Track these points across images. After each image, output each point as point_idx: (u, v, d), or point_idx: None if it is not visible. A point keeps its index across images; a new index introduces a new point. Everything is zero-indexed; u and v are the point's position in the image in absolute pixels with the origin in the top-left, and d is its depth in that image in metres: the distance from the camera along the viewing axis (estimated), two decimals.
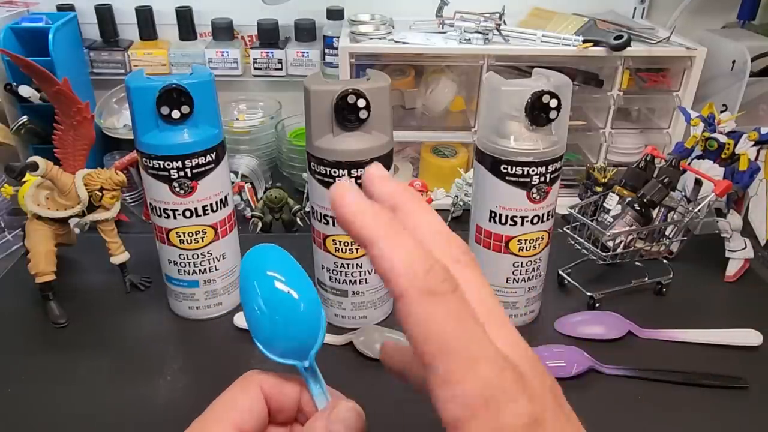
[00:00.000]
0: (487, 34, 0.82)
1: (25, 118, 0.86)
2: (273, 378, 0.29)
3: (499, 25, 0.83)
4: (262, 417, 0.28)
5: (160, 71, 0.99)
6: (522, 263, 0.60)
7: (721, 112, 0.74)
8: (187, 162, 0.56)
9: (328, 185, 0.56)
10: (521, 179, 0.55)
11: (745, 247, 0.72)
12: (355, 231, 0.24)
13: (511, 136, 0.54)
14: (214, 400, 0.28)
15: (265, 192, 0.82)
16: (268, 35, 0.99)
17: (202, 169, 0.58)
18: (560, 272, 0.70)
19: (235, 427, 0.27)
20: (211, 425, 0.27)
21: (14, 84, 0.84)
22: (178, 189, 0.58)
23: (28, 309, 0.66)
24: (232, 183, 0.79)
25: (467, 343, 0.21)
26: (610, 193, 0.70)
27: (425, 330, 0.21)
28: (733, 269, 0.73)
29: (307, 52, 0.99)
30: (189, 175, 0.57)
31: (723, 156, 0.70)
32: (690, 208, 0.69)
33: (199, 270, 0.63)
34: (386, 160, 0.56)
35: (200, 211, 0.59)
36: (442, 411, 0.20)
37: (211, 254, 0.62)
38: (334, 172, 0.55)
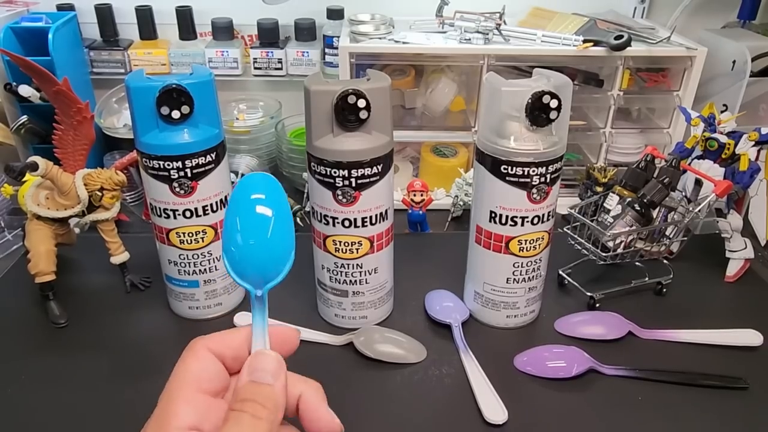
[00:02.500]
0: (488, 34, 0.82)
1: (25, 117, 0.86)
2: (216, 336, 0.30)
3: (500, 24, 0.83)
4: (220, 374, 0.30)
5: (160, 71, 0.99)
6: (522, 263, 0.60)
7: (722, 112, 0.74)
8: (187, 162, 0.56)
9: (328, 185, 0.56)
10: (521, 179, 0.55)
11: (746, 248, 0.72)
12: None
13: (511, 137, 0.54)
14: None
15: None
16: (268, 35, 0.99)
17: (202, 169, 0.58)
18: (560, 272, 0.70)
19: (199, 391, 0.29)
20: (175, 397, 0.28)
21: (14, 84, 0.84)
22: (178, 189, 0.58)
23: (28, 309, 0.66)
24: (232, 183, 0.79)
25: None
26: (610, 193, 0.70)
27: None
28: (733, 269, 0.73)
29: (307, 52, 0.99)
30: (189, 175, 0.57)
31: (723, 156, 0.70)
32: (690, 209, 0.69)
33: (199, 270, 0.63)
34: (386, 160, 0.56)
35: (200, 211, 0.59)
36: None
37: (211, 254, 0.62)
38: (334, 172, 0.55)
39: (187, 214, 0.59)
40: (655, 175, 0.69)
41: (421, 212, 0.81)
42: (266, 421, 0.27)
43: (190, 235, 0.60)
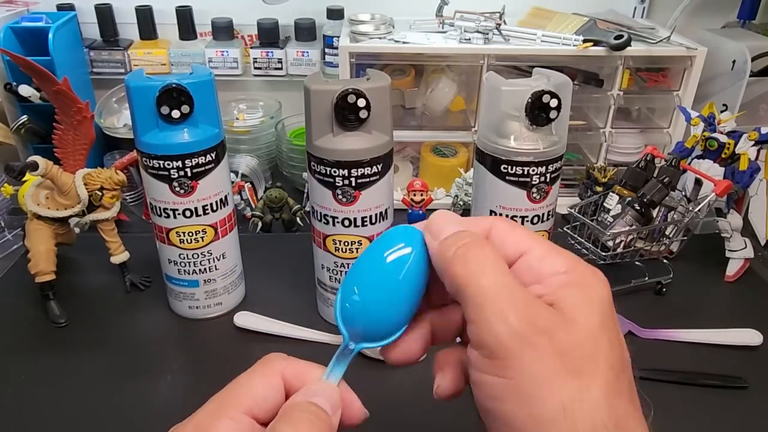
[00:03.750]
0: (487, 34, 0.82)
1: (25, 117, 0.86)
2: (294, 364, 0.28)
3: (499, 24, 0.83)
4: (277, 404, 0.27)
5: (160, 71, 0.99)
6: None
7: (722, 111, 0.74)
8: (187, 162, 0.56)
9: (328, 185, 0.56)
10: (521, 179, 0.55)
11: (745, 247, 0.72)
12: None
13: (511, 136, 0.54)
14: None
15: (265, 192, 0.82)
16: (268, 35, 0.99)
17: (202, 168, 0.58)
18: None
19: (248, 413, 0.27)
20: (225, 408, 0.27)
21: (14, 84, 0.84)
22: (178, 189, 0.58)
23: (28, 309, 0.66)
24: (232, 183, 0.79)
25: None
26: (610, 193, 0.70)
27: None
28: (733, 269, 0.73)
29: (307, 52, 0.99)
30: (189, 174, 0.57)
31: (723, 156, 0.70)
32: (690, 208, 0.69)
33: (199, 270, 0.63)
34: (386, 160, 0.56)
35: (200, 211, 0.59)
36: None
37: (211, 254, 0.62)
38: (334, 171, 0.55)
39: (187, 213, 0.59)
40: (655, 175, 0.69)
41: (421, 212, 0.81)
42: None
43: (190, 234, 0.60)
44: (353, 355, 0.28)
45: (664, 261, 0.72)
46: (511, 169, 0.55)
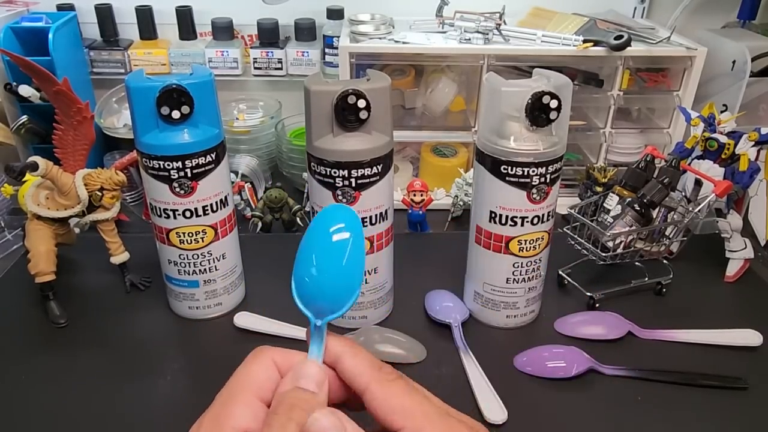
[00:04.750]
0: (487, 34, 0.82)
1: (25, 117, 0.86)
2: (282, 351, 0.30)
3: (499, 24, 0.83)
4: (276, 385, 0.29)
5: (160, 71, 0.99)
6: (522, 263, 0.60)
7: (722, 112, 0.74)
8: (187, 162, 0.56)
9: (328, 185, 0.56)
10: (521, 179, 0.55)
11: (745, 247, 0.72)
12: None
13: (511, 137, 0.54)
14: (231, 376, 0.29)
15: (265, 192, 0.82)
16: (268, 35, 0.99)
17: (202, 169, 0.58)
18: (560, 272, 0.70)
19: (257, 397, 0.29)
20: (235, 398, 0.28)
21: (14, 84, 0.84)
22: (178, 189, 0.58)
23: (28, 309, 0.66)
24: (232, 183, 0.79)
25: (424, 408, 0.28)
26: (610, 193, 0.70)
27: (390, 404, 0.28)
28: (733, 269, 0.73)
29: (307, 52, 0.99)
30: (189, 175, 0.57)
31: (723, 156, 0.70)
32: (690, 209, 0.69)
33: (199, 270, 0.63)
34: (386, 160, 0.56)
35: (200, 211, 0.59)
36: None
37: (211, 254, 0.62)
38: (334, 172, 0.55)
39: (187, 214, 0.59)
40: (655, 175, 0.69)
41: (421, 212, 0.81)
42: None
43: (190, 235, 0.60)
44: (324, 330, 0.29)
45: (664, 261, 0.72)
46: (511, 170, 0.55)
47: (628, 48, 0.80)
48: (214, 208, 0.60)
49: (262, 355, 0.30)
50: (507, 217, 0.57)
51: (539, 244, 0.59)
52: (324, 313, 0.29)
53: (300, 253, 0.30)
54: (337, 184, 0.55)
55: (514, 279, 0.61)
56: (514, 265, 0.60)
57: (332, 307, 0.29)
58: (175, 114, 0.54)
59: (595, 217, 0.71)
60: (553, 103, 0.52)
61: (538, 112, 0.52)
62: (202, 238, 0.61)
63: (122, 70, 0.99)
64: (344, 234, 0.30)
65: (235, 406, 0.28)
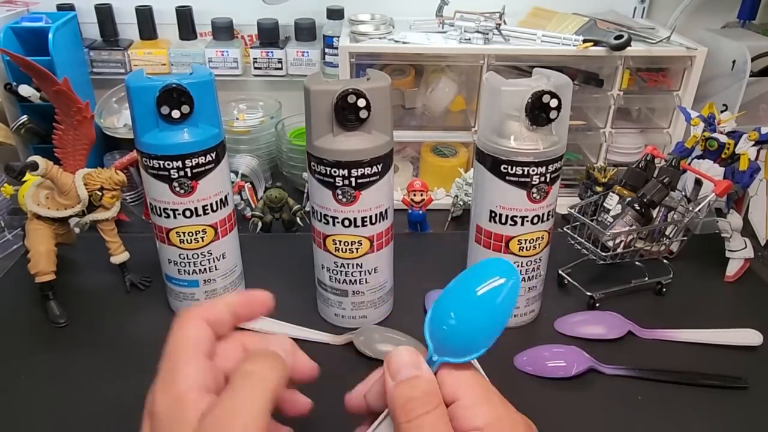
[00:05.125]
0: (487, 34, 0.82)
1: (25, 117, 0.86)
2: (204, 306, 0.34)
3: (499, 24, 0.83)
4: (212, 339, 0.33)
5: (160, 71, 0.99)
6: (522, 263, 0.60)
7: (722, 111, 0.74)
8: (187, 162, 0.56)
9: (328, 185, 0.56)
10: (521, 179, 0.55)
11: (745, 247, 0.72)
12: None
13: (511, 136, 0.54)
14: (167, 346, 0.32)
15: (265, 192, 0.82)
16: (268, 35, 0.99)
17: (202, 168, 0.58)
18: (560, 272, 0.70)
19: (200, 352, 0.31)
20: (181, 360, 0.31)
21: (14, 84, 0.84)
22: (178, 189, 0.58)
23: (28, 309, 0.66)
24: (232, 182, 0.79)
25: None
26: (610, 193, 0.70)
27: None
28: (733, 269, 0.73)
29: (307, 52, 0.99)
30: (189, 174, 0.57)
31: (723, 156, 0.70)
32: (690, 208, 0.69)
33: (199, 270, 0.62)
34: (386, 160, 0.56)
35: (200, 211, 0.59)
36: None
37: (211, 254, 0.62)
38: (334, 172, 0.55)
39: (187, 213, 0.59)
40: (655, 175, 0.69)
41: (421, 212, 0.81)
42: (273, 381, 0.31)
43: (190, 234, 0.60)
44: (437, 366, 0.30)
45: (664, 261, 0.72)
46: (511, 169, 0.55)
47: (628, 48, 0.80)
48: (214, 208, 0.60)
49: (190, 317, 0.33)
50: (507, 216, 0.57)
51: (539, 244, 0.59)
52: (444, 353, 0.30)
53: (453, 295, 0.32)
54: (337, 184, 0.55)
55: None
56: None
57: (453, 352, 0.30)
58: (175, 114, 0.54)
59: (595, 217, 0.71)
60: (553, 103, 0.52)
61: (538, 112, 0.52)
62: (202, 238, 0.61)
63: (122, 70, 0.99)
64: (499, 281, 0.31)
65: (185, 366, 0.30)
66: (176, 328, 0.32)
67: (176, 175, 0.57)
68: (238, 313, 0.35)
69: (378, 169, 0.55)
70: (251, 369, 0.30)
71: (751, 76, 0.85)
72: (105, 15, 0.98)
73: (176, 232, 0.60)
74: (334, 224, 0.58)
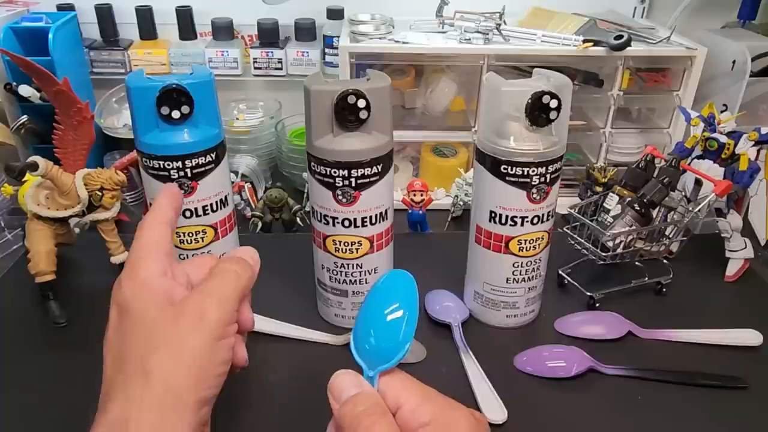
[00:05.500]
0: (488, 34, 0.82)
1: (25, 117, 0.86)
2: (160, 210, 0.39)
3: (500, 24, 0.83)
4: (171, 239, 0.38)
5: (160, 71, 0.99)
6: (522, 263, 0.60)
7: (721, 112, 0.74)
8: (187, 162, 0.56)
9: (328, 185, 0.56)
10: (521, 179, 0.55)
11: (745, 247, 0.72)
12: None
13: (511, 137, 0.54)
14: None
15: (265, 192, 0.82)
16: (268, 35, 0.99)
17: (202, 169, 0.58)
18: (560, 272, 0.70)
19: (165, 253, 0.36)
20: (144, 256, 0.36)
21: (14, 84, 0.84)
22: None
23: (28, 309, 0.66)
24: (232, 183, 0.79)
25: None
26: (610, 193, 0.70)
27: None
28: (733, 269, 0.73)
29: (307, 52, 0.99)
30: (189, 175, 0.57)
31: (723, 156, 0.70)
32: (690, 208, 0.69)
33: None
34: (386, 160, 0.56)
35: (200, 211, 0.59)
36: None
37: (211, 254, 0.62)
38: (334, 172, 0.55)
39: (187, 214, 0.59)
40: (655, 175, 0.69)
41: (421, 212, 0.81)
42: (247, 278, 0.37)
43: (190, 235, 0.60)
44: (375, 380, 0.32)
45: (664, 261, 0.72)
46: (511, 170, 0.55)
47: (628, 48, 0.80)
48: (214, 208, 0.60)
49: (154, 221, 0.37)
50: (507, 217, 0.57)
51: (539, 244, 0.59)
52: (376, 364, 0.33)
53: (362, 320, 0.34)
54: (337, 184, 0.55)
55: (514, 279, 0.61)
56: (514, 265, 0.60)
57: (382, 361, 0.32)
58: (175, 114, 0.54)
59: (595, 217, 0.71)
60: (553, 103, 0.52)
61: (538, 112, 0.52)
62: (202, 238, 0.61)
63: (122, 70, 0.99)
64: (398, 313, 0.34)
65: (144, 261, 0.35)
66: (140, 231, 0.37)
67: (176, 176, 0.57)
68: (175, 205, 0.40)
69: (378, 169, 0.55)
70: (227, 266, 0.36)
71: (751, 76, 0.85)
72: (105, 15, 0.98)
73: (176, 233, 0.60)
74: (334, 225, 0.58)
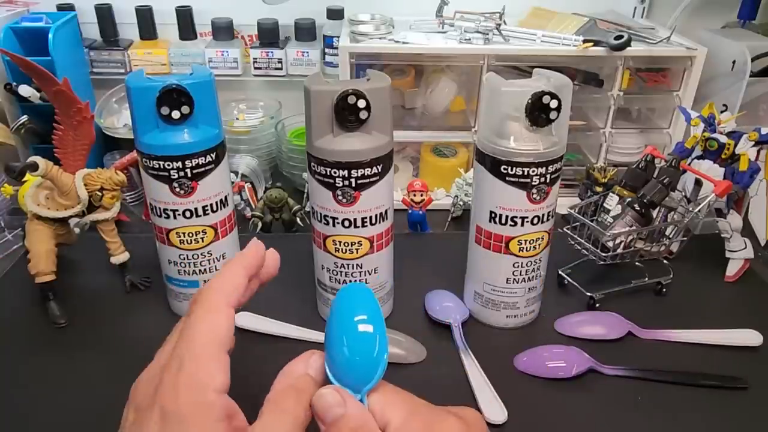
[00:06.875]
0: (487, 34, 0.82)
1: (25, 117, 0.86)
2: (226, 285, 0.33)
3: (499, 24, 0.83)
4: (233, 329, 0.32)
5: (160, 71, 0.99)
6: (522, 263, 0.60)
7: (722, 112, 0.74)
8: (187, 162, 0.56)
9: (328, 185, 0.56)
10: (521, 180, 0.55)
11: (745, 247, 0.72)
12: None
13: (511, 137, 0.54)
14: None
15: (265, 192, 0.82)
16: (268, 35, 1.00)
17: (202, 169, 0.58)
18: (560, 272, 0.70)
19: (225, 349, 0.30)
20: (207, 358, 0.29)
21: (14, 84, 0.84)
22: (178, 189, 0.58)
23: (28, 309, 0.66)
24: (232, 183, 0.79)
25: None
26: (610, 193, 0.70)
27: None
28: (733, 269, 0.73)
29: (307, 52, 0.99)
30: (189, 175, 0.57)
31: (723, 156, 0.70)
32: (690, 209, 0.69)
33: (199, 270, 0.62)
34: (386, 160, 0.56)
35: (200, 212, 0.59)
36: None
37: (211, 254, 0.62)
38: (334, 172, 0.55)
39: (187, 214, 0.59)
40: (655, 175, 0.69)
41: (421, 212, 0.81)
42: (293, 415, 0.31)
43: (190, 235, 0.60)
44: (364, 399, 0.32)
45: (664, 261, 0.72)
46: (511, 170, 0.55)
47: (628, 48, 0.80)
48: (214, 208, 0.60)
49: (218, 304, 0.31)
50: (507, 217, 0.57)
51: (539, 244, 0.59)
52: (360, 386, 0.32)
53: (330, 340, 0.33)
54: (337, 184, 0.55)
55: (514, 279, 0.61)
56: (514, 265, 0.60)
57: (364, 380, 0.32)
58: (175, 114, 0.54)
59: (595, 217, 0.71)
60: (553, 103, 0.52)
61: (538, 112, 0.52)
62: (202, 238, 0.61)
63: (122, 70, 0.99)
64: (368, 327, 0.32)
65: (211, 365, 0.28)
66: (201, 315, 0.30)
67: (176, 176, 0.57)
68: (252, 274, 0.34)
69: (378, 169, 0.55)
70: (284, 407, 0.31)
71: (751, 76, 0.85)
72: (105, 15, 0.98)
73: (176, 233, 0.60)
74: (334, 225, 0.58)
